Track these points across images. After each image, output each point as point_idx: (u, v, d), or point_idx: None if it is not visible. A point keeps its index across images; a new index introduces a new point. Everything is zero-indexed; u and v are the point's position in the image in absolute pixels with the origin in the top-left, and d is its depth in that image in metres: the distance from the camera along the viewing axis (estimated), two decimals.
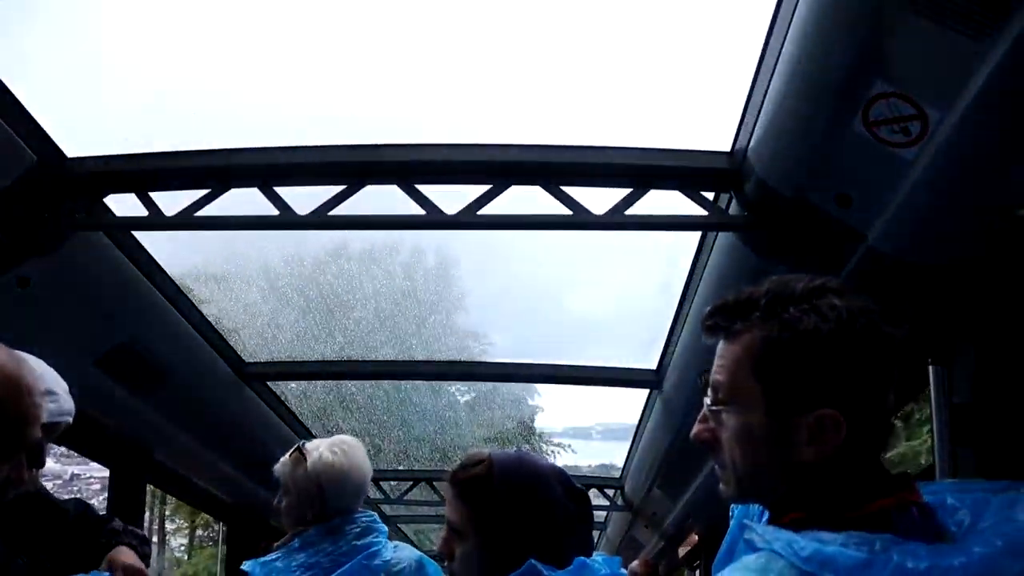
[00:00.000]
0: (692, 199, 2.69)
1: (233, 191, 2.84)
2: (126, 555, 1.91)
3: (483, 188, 2.74)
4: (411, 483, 6.84)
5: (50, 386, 1.77)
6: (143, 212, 2.85)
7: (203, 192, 2.82)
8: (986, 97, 1.71)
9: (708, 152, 2.70)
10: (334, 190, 2.78)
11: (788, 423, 1.08)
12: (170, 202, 2.84)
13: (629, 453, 6.31)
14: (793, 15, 2.03)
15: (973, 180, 1.95)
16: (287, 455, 2.44)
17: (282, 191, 2.80)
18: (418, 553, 2.44)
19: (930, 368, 2.45)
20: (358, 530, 2.36)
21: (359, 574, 2.29)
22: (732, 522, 1.32)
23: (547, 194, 2.71)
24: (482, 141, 2.81)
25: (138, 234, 3.23)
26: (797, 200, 2.35)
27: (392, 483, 6.86)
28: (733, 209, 2.66)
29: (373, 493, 6.58)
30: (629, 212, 2.68)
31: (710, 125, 2.84)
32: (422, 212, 2.75)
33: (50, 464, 1.90)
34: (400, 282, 5.50)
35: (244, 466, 5.06)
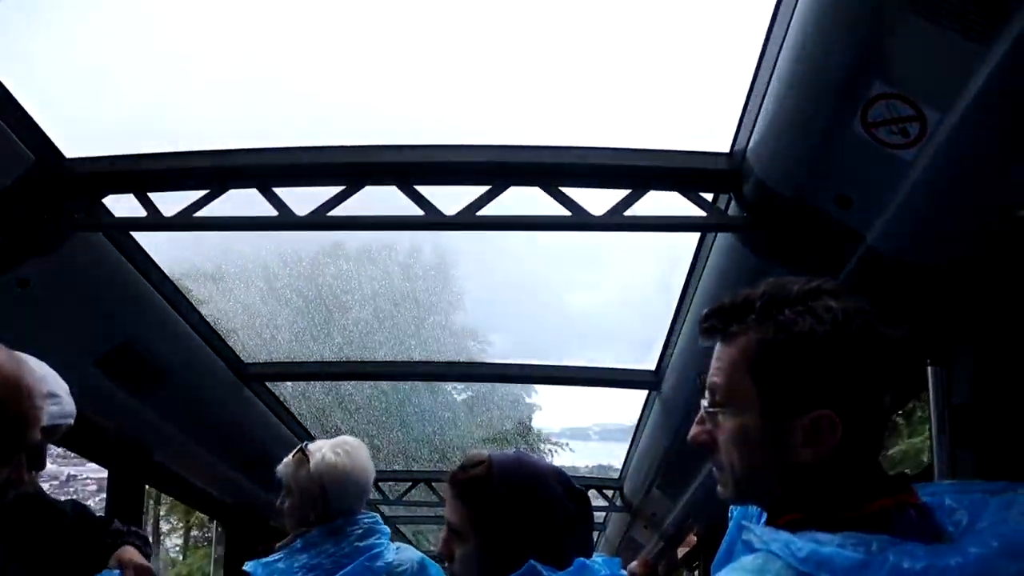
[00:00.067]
0: (691, 200, 2.69)
1: (232, 192, 2.84)
2: (133, 554, 1.92)
3: (482, 189, 2.74)
4: (410, 484, 6.84)
5: (52, 388, 1.77)
6: (142, 213, 2.85)
7: (202, 193, 2.81)
8: (985, 98, 1.71)
9: (707, 153, 2.70)
10: (333, 191, 2.78)
11: (784, 425, 1.08)
12: (169, 203, 2.84)
13: (628, 454, 6.31)
14: (792, 16, 2.03)
15: (972, 181, 1.95)
16: (290, 456, 2.44)
17: (281, 192, 2.80)
18: (420, 554, 2.44)
19: (929, 368, 2.45)
20: (360, 531, 2.36)
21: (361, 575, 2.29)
22: (731, 523, 1.33)
23: (546, 195, 2.71)
24: (481, 142, 2.81)
25: (137, 235, 3.23)
26: (796, 201, 2.35)
27: (391, 484, 6.86)
28: (732, 210, 2.66)
29: (372, 494, 6.57)
30: (628, 213, 2.68)
31: (709, 126, 2.85)
32: (421, 213, 2.75)
33: (46, 465, 1.89)
34: (399, 283, 5.50)
35: (243, 467, 5.06)
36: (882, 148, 1.96)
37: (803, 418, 1.07)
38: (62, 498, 2.07)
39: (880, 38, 1.83)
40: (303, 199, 2.80)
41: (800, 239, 2.44)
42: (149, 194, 2.85)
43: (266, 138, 2.87)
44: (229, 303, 4.89)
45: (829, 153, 2.14)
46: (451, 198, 2.75)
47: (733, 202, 2.65)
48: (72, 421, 1.84)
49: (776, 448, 1.09)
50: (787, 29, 2.08)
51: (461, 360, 6.26)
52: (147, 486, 5.24)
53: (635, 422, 5.64)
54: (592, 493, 6.66)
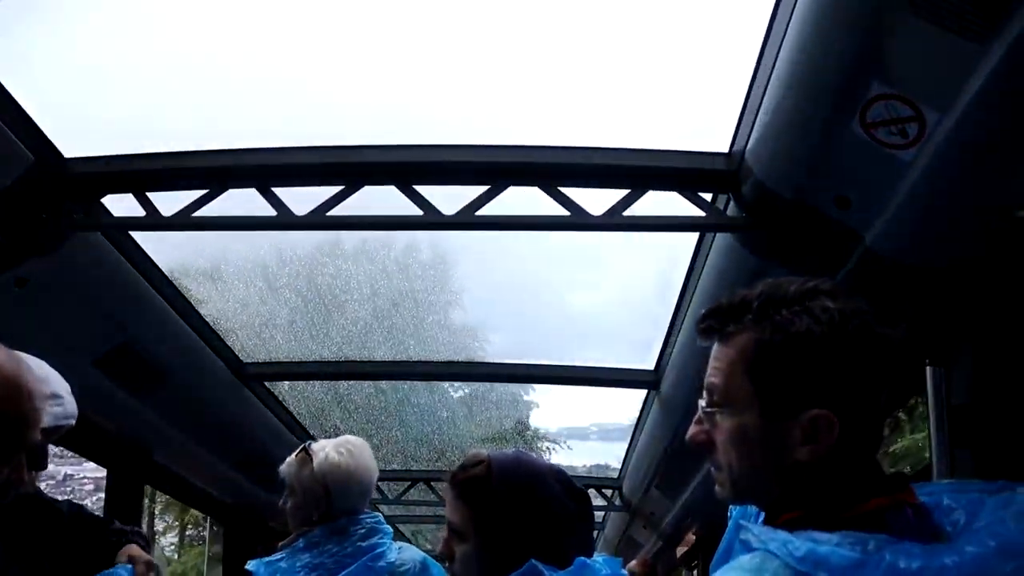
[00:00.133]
0: (690, 200, 2.69)
1: (231, 191, 2.84)
2: (140, 551, 1.92)
3: (481, 189, 2.74)
4: (408, 483, 6.84)
5: (55, 389, 1.77)
6: (141, 212, 2.85)
7: (201, 192, 2.82)
8: (984, 98, 1.71)
9: (706, 153, 2.70)
10: (332, 190, 2.78)
11: (782, 424, 1.08)
12: (168, 202, 2.84)
13: (627, 453, 6.31)
14: (791, 16, 2.03)
15: (971, 181, 1.95)
16: (293, 455, 2.44)
17: (280, 191, 2.80)
18: (422, 554, 2.44)
19: (928, 369, 2.45)
20: (363, 531, 2.36)
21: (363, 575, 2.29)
22: (730, 522, 1.33)
23: (545, 195, 2.71)
24: (480, 142, 2.81)
25: (136, 234, 3.23)
26: (795, 201, 2.35)
27: (389, 483, 6.86)
28: (731, 210, 2.67)
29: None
30: (627, 213, 2.68)
31: (708, 126, 2.85)
32: (420, 213, 2.75)
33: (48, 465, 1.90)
34: (398, 282, 5.50)
35: (242, 466, 5.06)
36: (881, 148, 1.97)
37: (801, 418, 1.07)
38: (59, 498, 2.07)
39: (879, 38, 1.83)
40: (302, 199, 2.80)
41: (799, 239, 2.44)
42: (148, 194, 2.85)
43: (265, 138, 2.87)
44: (228, 303, 4.89)
45: (828, 153, 2.14)
46: (450, 198, 2.75)
47: (732, 202, 2.65)
48: (74, 422, 1.84)
49: (774, 448, 1.09)
50: (786, 29, 2.08)
51: (460, 359, 6.26)
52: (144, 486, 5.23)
53: (633, 422, 5.64)
54: (591, 492, 6.66)
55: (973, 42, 1.65)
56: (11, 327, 2.80)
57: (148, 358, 3.62)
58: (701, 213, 2.69)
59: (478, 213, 2.73)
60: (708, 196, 2.70)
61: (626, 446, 6.36)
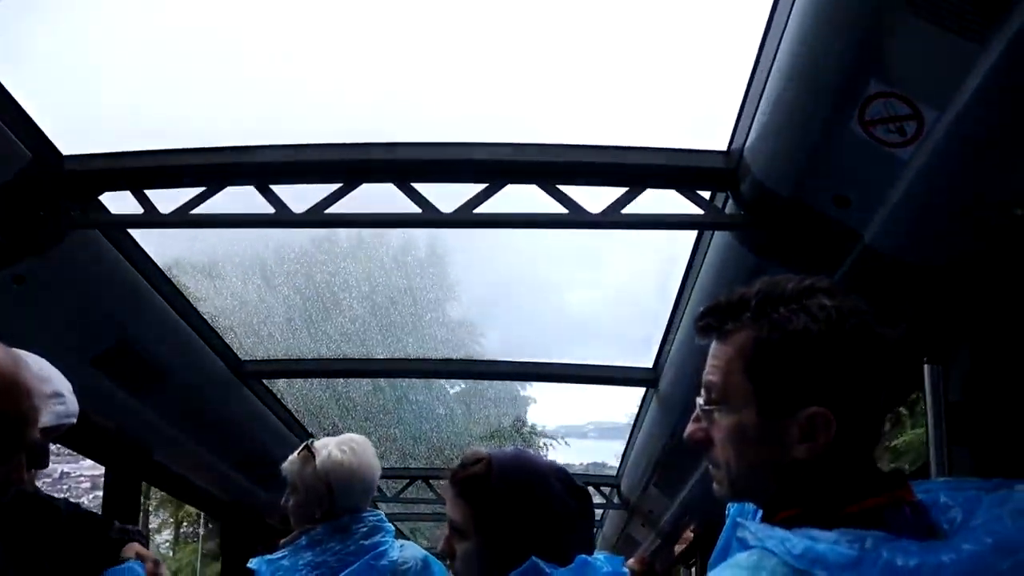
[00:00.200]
0: (688, 198, 2.69)
1: (229, 189, 2.83)
2: (145, 550, 1.92)
3: (479, 187, 2.73)
4: (407, 481, 6.84)
5: (57, 388, 1.77)
6: (139, 210, 2.85)
7: (199, 190, 2.81)
8: (982, 97, 1.71)
9: (704, 151, 2.70)
10: (330, 188, 2.78)
11: (780, 422, 1.08)
12: (166, 200, 2.84)
13: (625, 451, 6.32)
14: (789, 14, 2.03)
15: (969, 180, 1.95)
16: (295, 453, 2.43)
17: (278, 189, 2.79)
18: (424, 552, 2.44)
19: (925, 367, 2.45)
20: (366, 529, 2.35)
21: (366, 574, 2.28)
22: (727, 520, 1.33)
23: (543, 193, 2.71)
24: (478, 140, 2.81)
25: (134, 232, 3.23)
26: (793, 199, 2.35)
27: (387, 481, 6.86)
28: (729, 208, 2.67)
29: None
30: (625, 211, 2.68)
31: (706, 124, 2.85)
32: (418, 211, 2.75)
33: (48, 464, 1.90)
34: (396, 279, 5.50)
35: (240, 464, 5.06)
36: (879, 147, 1.97)
37: (798, 416, 1.07)
38: (56, 496, 2.07)
39: (877, 37, 1.83)
40: (300, 196, 2.80)
41: (797, 238, 2.44)
42: (146, 191, 2.84)
43: (263, 136, 2.87)
44: (226, 300, 4.89)
45: (826, 152, 2.14)
46: (448, 196, 2.75)
47: (730, 200, 2.65)
48: (75, 420, 1.84)
49: (772, 445, 1.09)
50: (785, 27, 2.08)
51: (459, 357, 6.27)
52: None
53: (630, 420, 5.65)
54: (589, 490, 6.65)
55: (971, 41, 1.65)
56: (9, 326, 2.80)
57: (146, 356, 3.62)
58: (699, 211, 2.69)
59: (476, 211, 2.73)
60: (706, 194, 2.70)
61: (623, 444, 6.36)
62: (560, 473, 1.62)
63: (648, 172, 2.70)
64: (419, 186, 2.76)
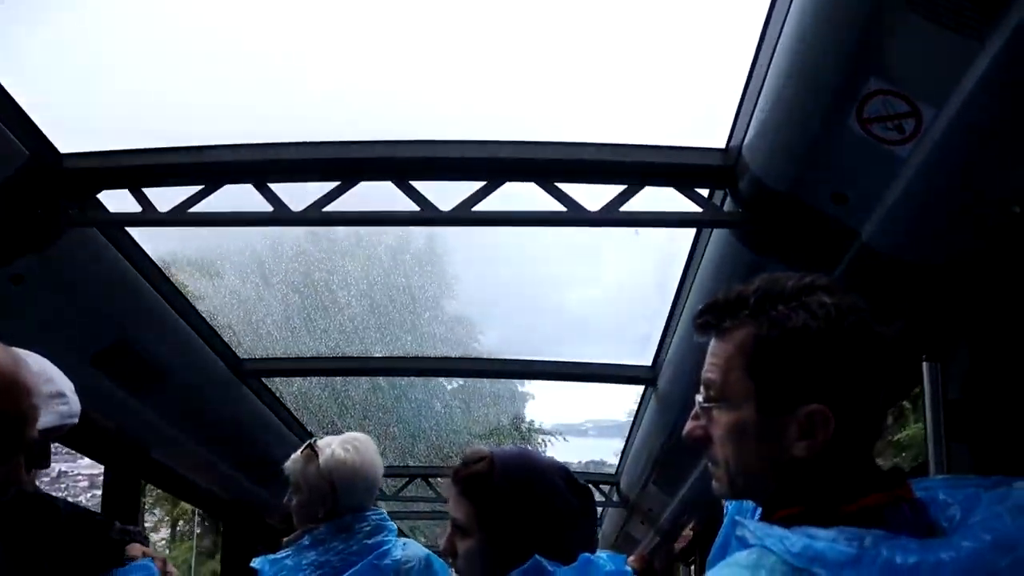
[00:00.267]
0: (687, 196, 2.69)
1: (227, 187, 2.83)
2: (151, 550, 1.92)
3: (478, 185, 2.73)
4: (406, 480, 6.85)
5: (60, 388, 1.77)
6: (137, 209, 2.84)
7: (197, 188, 2.81)
8: (980, 94, 1.71)
9: (703, 149, 2.70)
10: (328, 186, 2.78)
11: (779, 420, 1.08)
12: (164, 199, 2.84)
13: (624, 449, 6.32)
14: (788, 12, 2.03)
15: (967, 178, 1.95)
16: (298, 452, 2.42)
17: (276, 187, 2.79)
18: (426, 551, 2.43)
19: (924, 364, 2.46)
20: (369, 528, 2.35)
21: (369, 574, 2.28)
22: (725, 518, 1.33)
23: (542, 191, 2.71)
24: (477, 138, 2.80)
25: (132, 230, 3.22)
26: (792, 197, 2.35)
27: (387, 479, 6.85)
28: (728, 206, 2.67)
29: None
30: (624, 209, 2.68)
31: (705, 122, 2.85)
32: (416, 209, 2.74)
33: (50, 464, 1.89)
34: (394, 278, 5.51)
35: (240, 463, 5.06)
36: (878, 144, 1.97)
37: (797, 413, 1.07)
38: (53, 494, 2.07)
39: (876, 34, 1.83)
40: (298, 195, 2.80)
41: (796, 236, 2.44)
42: (144, 190, 2.84)
43: (261, 134, 2.87)
44: (224, 299, 4.89)
45: (825, 149, 2.14)
46: (447, 194, 2.75)
47: (729, 198, 2.65)
48: (77, 420, 1.83)
49: (771, 443, 1.09)
50: (783, 25, 2.08)
51: (457, 355, 6.28)
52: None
53: (628, 418, 5.66)
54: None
55: (969, 38, 1.65)
56: (7, 325, 2.79)
57: (145, 355, 3.62)
58: (698, 209, 2.69)
59: (475, 209, 2.73)
60: (705, 192, 2.70)
61: (622, 442, 6.37)
62: (562, 471, 1.62)
63: (646, 170, 2.70)
64: (417, 184, 2.75)
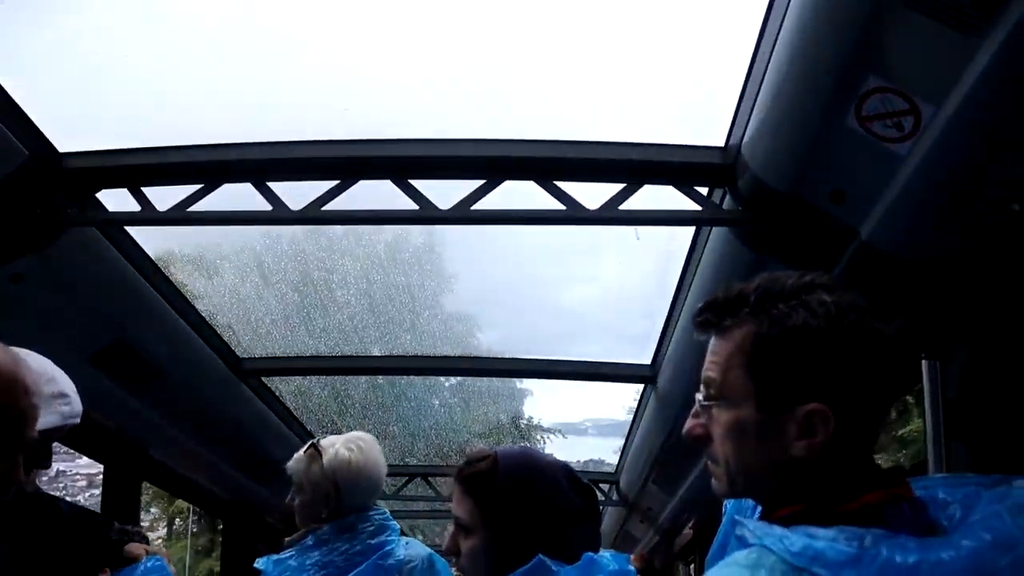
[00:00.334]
0: (686, 194, 2.69)
1: (226, 186, 2.83)
2: (154, 548, 1.93)
3: (477, 183, 2.73)
4: (406, 479, 6.85)
5: (63, 388, 1.77)
6: (136, 208, 2.84)
7: (196, 187, 2.81)
8: (979, 92, 1.71)
9: (702, 147, 2.70)
10: (327, 185, 2.78)
11: (779, 418, 1.08)
12: (163, 198, 2.83)
13: (623, 448, 6.32)
14: (787, 10, 2.03)
15: (966, 175, 1.95)
16: (301, 452, 2.42)
17: (275, 186, 2.79)
18: (428, 550, 2.43)
19: (923, 362, 2.45)
20: (372, 528, 2.34)
21: (374, 575, 2.28)
22: (724, 517, 1.33)
23: (541, 189, 2.71)
24: (476, 136, 2.80)
25: (131, 230, 3.22)
26: (791, 195, 2.35)
27: (386, 478, 6.84)
28: (727, 204, 2.67)
29: None
30: (623, 207, 2.68)
31: (704, 120, 2.85)
32: (416, 207, 2.75)
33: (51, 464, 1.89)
34: (393, 277, 5.51)
35: (239, 462, 5.06)
36: (876, 142, 1.97)
37: (797, 412, 1.07)
38: (52, 494, 2.07)
39: (875, 32, 1.83)
40: (297, 193, 2.80)
41: (795, 234, 2.44)
42: (143, 189, 2.84)
43: (260, 133, 2.87)
44: (223, 298, 4.89)
45: (824, 147, 2.14)
46: (446, 192, 2.75)
47: (728, 196, 2.65)
48: (79, 420, 1.83)
49: (771, 442, 1.09)
50: (782, 23, 2.07)
51: (457, 354, 6.28)
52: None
53: (628, 416, 5.66)
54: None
55: (969, 36, 1.65)
56: (6, 324, 2.80)
57: (144, 354, 3.62)
58: (697, 207, 2.69)
59: (474, 208, 2.73)
60: (704, 190, 2.70)
61: (621, 440, 6.37)
62: (566, 470, 1.62)
63: (646, 168, 2.70)
64: (416, 183, 2.75)
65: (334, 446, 2.38)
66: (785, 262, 2.46)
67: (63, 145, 2.79)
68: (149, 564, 1.88)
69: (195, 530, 24.21)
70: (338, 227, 4.85)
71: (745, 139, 2.45)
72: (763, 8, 2.23)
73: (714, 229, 2.92)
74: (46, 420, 1.54)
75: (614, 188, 2.69)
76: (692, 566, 7.14)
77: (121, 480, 4.44)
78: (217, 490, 5.59)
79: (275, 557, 2.33)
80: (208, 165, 2.85)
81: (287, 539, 2.39)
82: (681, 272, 3.55)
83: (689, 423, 1.18)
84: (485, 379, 8.05)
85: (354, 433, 2.48)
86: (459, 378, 8.21)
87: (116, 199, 2.88)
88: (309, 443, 2.43)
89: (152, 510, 24.01)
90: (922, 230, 2.16)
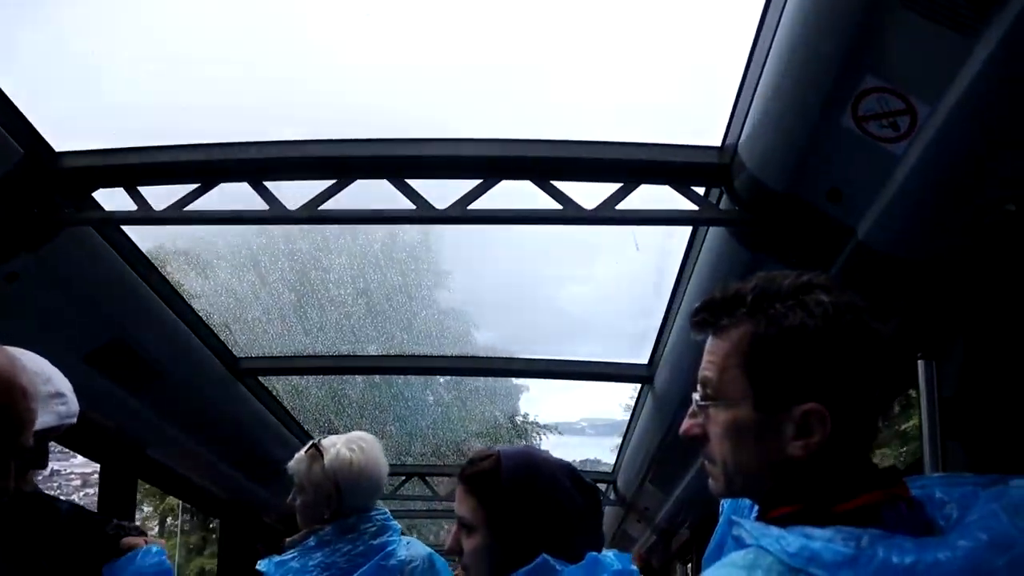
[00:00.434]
0: (683, 194, 2.69)
1: (223, 186, 2.82)
2: (152, 539, 1.92)
3: (473, 183, 2.73)
4: (403, 478, 6.85)
5: (59, 388, 1.76)
6: (132, 207, 2.84)
7: (192, 187, 2.80)
8: (975, 92, 1.71)
9: (699, 147, 2.70)
10: (324, 185, 2.77)
11: (775, 418, 1.08)
12: (160, 197, 2.83)
13: (621, 448, 6.32)
14: (783, 10, 2.03)
15: (962, 175, 1.95)
16: (302, 452, 2.41)
17: (272, 186, 2.79)
18: (428, 549, 2.43)
19: (919, 362, 2.46)
20: (374, 529, 2.34)
21: None
22: (721, 517, 1.33)
23: (538, 189, 2.71)
24: (472, 136, 2.80)
25: (127, 228, 3.22)
26: (787, 195, 2.35)
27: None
28: (724, 204, 2.67)
29: None
30: (620, 207, 2.68)
31: (701, 120, 2.85)
32: (412, 207, 2.74)
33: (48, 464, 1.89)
34: (391, 276, 5.50)
35: (236, 462, 5.05)
36: (873, 142, 1.97)
37: (793, 412, 1.07)
38: (48, 494, 2.07)
39: (872, 32, 1.83)
40: (294, 193, 2.79)
41: (791, 233, 2.44)
42: (140, 188, 2.83)
43: (257, 132, 2.86)
44: (220, 297, 4.88)
45: (820, 147, 2.14)
46: (443, 192, 2.75)
47: (725, 196, 2.65)
48: (76, 420, 1.83)
49: (767, 441, 1.09)
50: (778, 22, 2.07)
51: (454, 354, 6.27)
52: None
53: (625, 416, 5.66)
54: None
55: (965, 35, 1.65)
56: (2, 323, 2.79)
57: (141, 353, 3.61)
58: (694, 207, 2.69)
59: (470, 207, 2.72)
60: (701, 190, 2.70)
61: (618, 440, 6.37)
62: (569, 470, 1.62)
63: (642, 168, 2.70)
64: (413, 182, 2.75)
65: (335, 446, 2.37)
66: (782, 261, 2.46)
67: (59, 144, 2.78)
68: (149, 552, 1.87)
69: (186, 528, 24.18)
70: (336, 231, 4.84)
71: (742, 139, 2.45)
72: (759, 8, 2.23)
73: (711, 229, 2.92)
74: (42, 420, 1.53)
75: (611, 188, 2.69)
76: (689, 566, 7.14)
77: (117, 479, 4.44)
78: (214, 489, 5.59)
79: (277, 559, 2.32)
80: (205, 164, 2.84)
81: (288, 540, 2.38)
82: (678, 271, 3.55)
83: (686, 423, 1.18)
84: (484, 378, 8.05)
85: (355, 433, 2.47)
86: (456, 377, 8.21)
87: (112, 198, 2.88)
88: (310, 443, 2.42)
89: (144, 508, 23.97)
90: (918, 230, 2.16)
